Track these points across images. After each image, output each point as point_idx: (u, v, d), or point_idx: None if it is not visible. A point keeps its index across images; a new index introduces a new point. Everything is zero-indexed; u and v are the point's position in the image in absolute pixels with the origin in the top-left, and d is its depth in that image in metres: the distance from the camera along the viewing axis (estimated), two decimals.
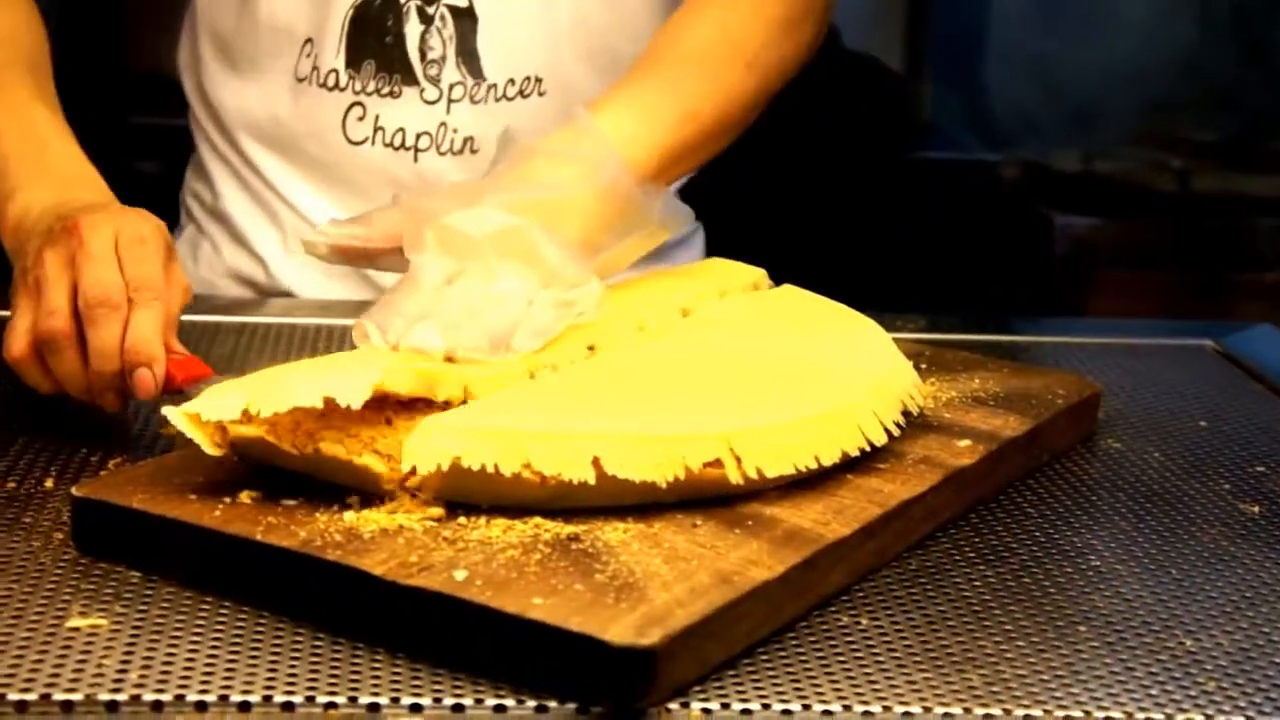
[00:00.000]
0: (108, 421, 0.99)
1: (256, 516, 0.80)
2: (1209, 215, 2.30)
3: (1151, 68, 2.35)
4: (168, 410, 0.82)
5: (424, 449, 0.81)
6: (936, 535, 0.90)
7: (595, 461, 0.81)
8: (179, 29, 1.43)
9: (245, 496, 0.82)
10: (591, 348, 0.96)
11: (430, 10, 1.28)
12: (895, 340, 1.04)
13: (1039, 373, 1.09)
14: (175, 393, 0.93)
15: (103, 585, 0.79)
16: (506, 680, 0.72)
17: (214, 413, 0.81)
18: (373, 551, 0.77)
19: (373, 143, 1.30)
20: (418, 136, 1.30)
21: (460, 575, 0.74)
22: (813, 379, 0.94)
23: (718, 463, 0.84)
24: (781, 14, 1.22)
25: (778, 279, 1.14)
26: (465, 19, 1.29)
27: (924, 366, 1.07)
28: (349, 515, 0.80)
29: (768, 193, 2.19)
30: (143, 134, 2.04)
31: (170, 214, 1.67)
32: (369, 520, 0.80)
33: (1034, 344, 1.31)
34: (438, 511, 0.81)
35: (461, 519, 0.81)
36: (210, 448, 0.82)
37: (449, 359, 0.90)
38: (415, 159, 1.31)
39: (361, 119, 1.30)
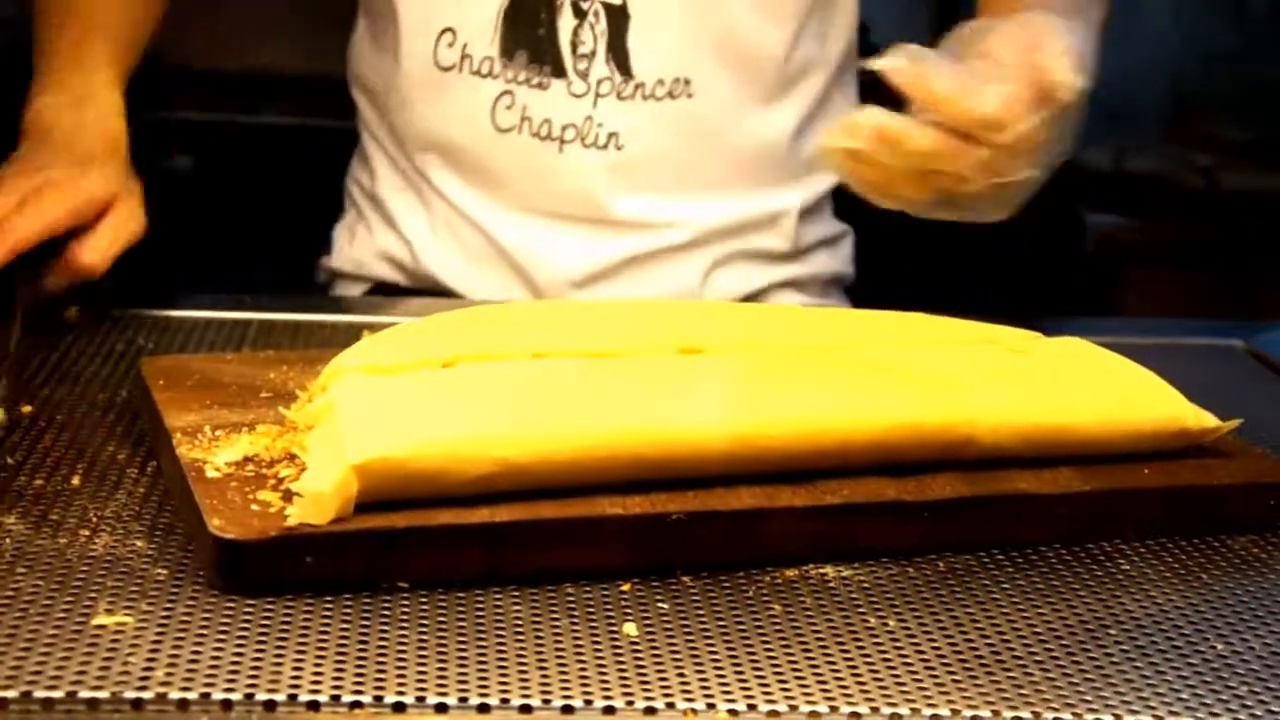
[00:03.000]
0: (133, 425, 0.99)
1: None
2: (1240, 214, 2.29)
3: (1182, 65, 2.34)
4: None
5: None
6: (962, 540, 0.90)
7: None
8: (203, 23, 1.45)
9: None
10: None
11: (584, 5, 1.30)
12: None
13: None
14: None
15: (128, 583, 0.79)
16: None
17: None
18: None
19: (519, 131, 1.32)
20: (563, 128, 1.32)
21: None
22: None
23: None
24: None
25: None
26: (618, 16, 1.31)
27: None
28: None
29: None
30: (165, 128, 2.04)
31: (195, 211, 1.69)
32: None
33: None
34: None
35: None
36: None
37: None
38: (560, 150, 1.32)
39: (510, 107, 1.32)
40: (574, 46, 1.30)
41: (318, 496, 0.79)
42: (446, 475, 0.82)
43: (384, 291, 1.43)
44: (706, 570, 0.84)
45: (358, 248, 1.44)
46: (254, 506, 0.81)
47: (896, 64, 0.94)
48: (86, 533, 0.84)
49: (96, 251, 1.16)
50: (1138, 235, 2.29)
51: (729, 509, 0.85)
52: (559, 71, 1.31)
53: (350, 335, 1.17)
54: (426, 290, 1.39)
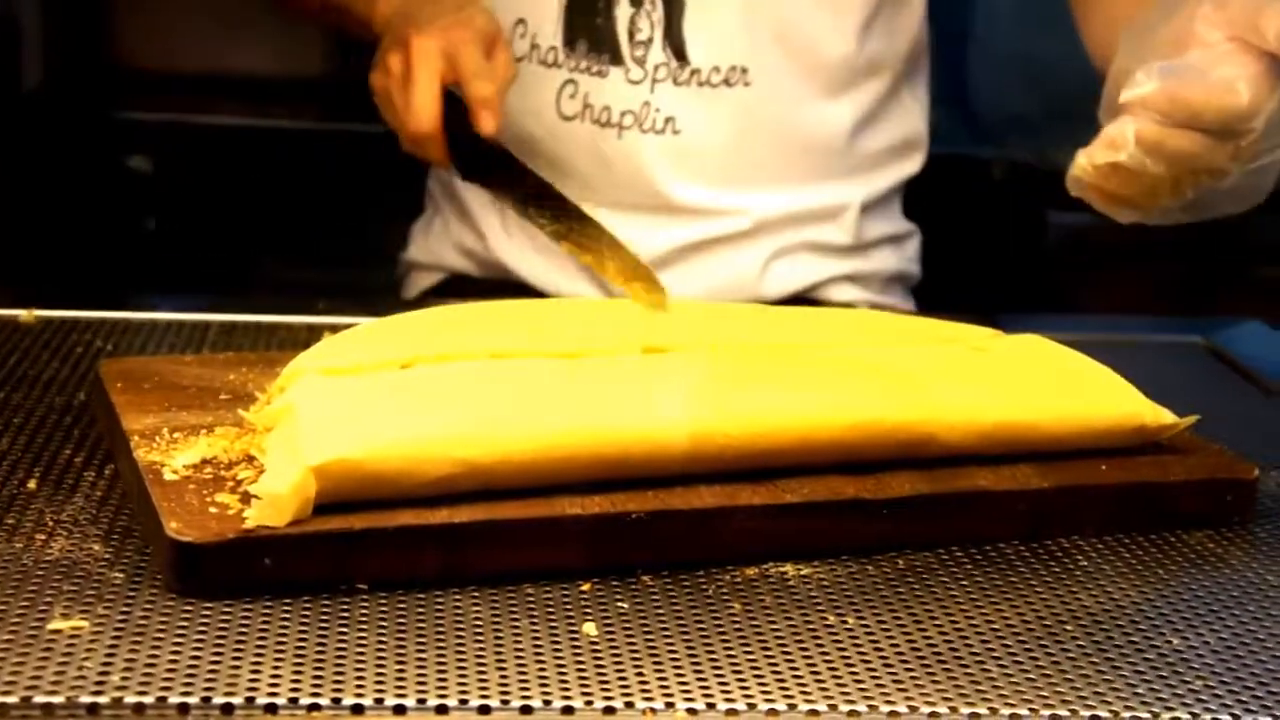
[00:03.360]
0: (91, 428, 0.98)
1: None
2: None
3: None
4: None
5: None
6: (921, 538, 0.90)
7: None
8: (163, 23, 1.45)
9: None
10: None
11: None
12: None
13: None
14: None
15: (85, 587, 0.78)
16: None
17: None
18: None
19: (582, 119, 1.35)
20: (622, 114, 1.35)
21: None
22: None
23: None
24: None
25: None
26: (674, 4, 1.33)
27: None
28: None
29: None
30: (126, 130, 2.03)
31: (155, 212, 1.68)
32: None
33: None
34: None
35: None
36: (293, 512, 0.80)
37: None
38: (619, 136, 1.35)
39: (573, 96, 1.35)
40: (631, 34, 1.34)
41: (276, 499, 0.79)
42: (405, 476, 0.82)
43: (457, 283, 1.47)
44: (667, 569, 0.84)
45: (433, 240, 1.49)
46: (212, 509, 0.81)
47: (1146, 91, 0.92)
48: (43, 536, 0.83)
49: (504, 80, 1.24)
50: (1099, 233, 2.30)
51: (689, 508, 0.85)
52: (617, 59, 1.34)
53: (311, 336, 1.17)
54: (499, 281, 1.43)
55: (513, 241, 1.42)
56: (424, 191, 1.54)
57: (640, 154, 1.35)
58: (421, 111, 1.20)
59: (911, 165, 1.46)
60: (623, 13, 1.34)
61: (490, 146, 1.21)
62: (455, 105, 1.22)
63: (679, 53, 1.34)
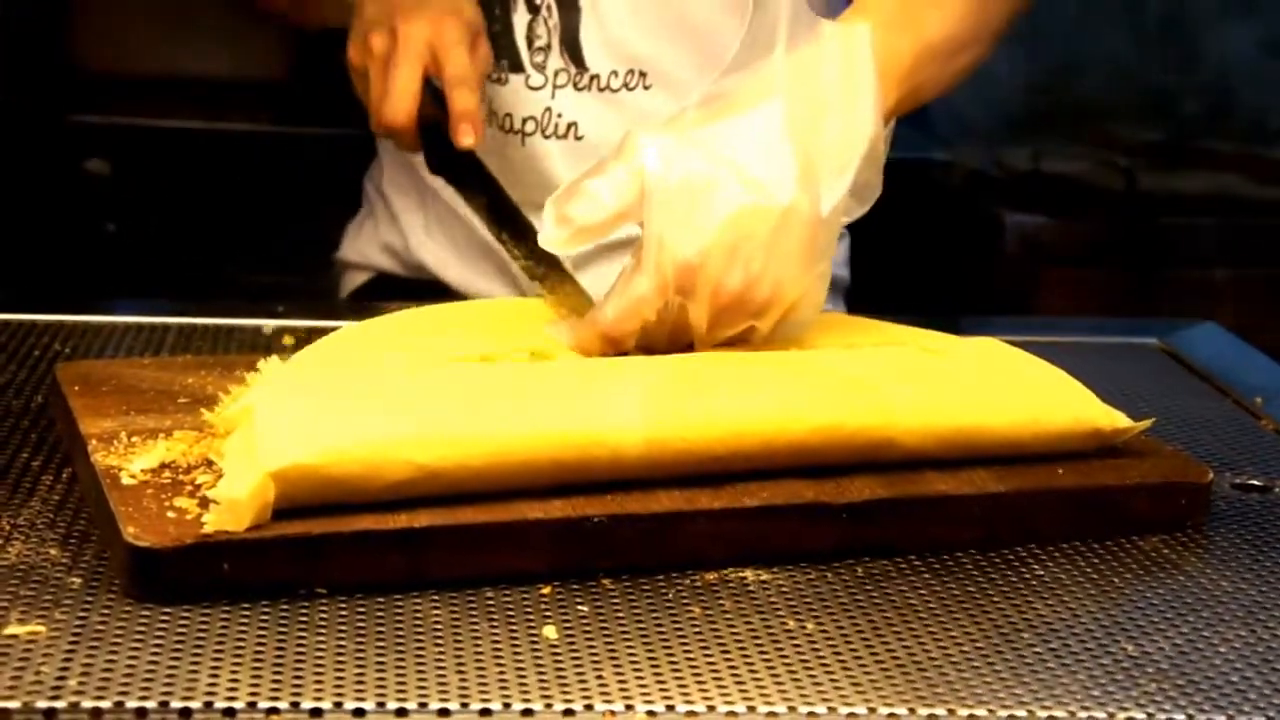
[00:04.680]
0: (49, 432, 0.98)
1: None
2: (1154, 213, 2.32)
3: (1086, 71, 2.36)
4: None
5: None
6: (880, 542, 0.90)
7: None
8: (120, 27, 1.44)
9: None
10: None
11: (537, 0, 1.32)
12: None
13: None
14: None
15: (42, 592, 0.78)
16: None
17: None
18: None
19: (487, 124, 1.33)
20: (524, 121, 1.34)
21: None
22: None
23: None
24: None
25: None
26: (569, 9, 1.33)
27: None
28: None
29: None
30: (83, 133, 2.03)
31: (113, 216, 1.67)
32: None
33: None
34: None
35: None
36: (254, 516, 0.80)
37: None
38: (523, 142, 1.34)
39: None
40: (530, 40, 1.33)
41: (234, 503, 0.79)
42: (364, 481, 0.82)
43: (383, 282, 1.46)
44: (627, 573, 0.84)
45: (363, 239, 1.48)
46: (170, 514, 0.80)
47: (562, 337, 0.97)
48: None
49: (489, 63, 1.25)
50: (1055, 235, 2.32)
51: (648, 512, 0.85)
52: (516, 66, 1.34)
53: (271, 340, 1.17)
54: (420, 281, 1.43)
55: (433, 242, 1.42)
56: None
57: (544, 159, 1.34)
58: (399, 102, 1.18)
59: None
60: (520, 20, 1.33)
61: (466, 152, 1.21)
62: (434, 98, 1.21)
63: (577, 58, 1.33)
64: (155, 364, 1.03)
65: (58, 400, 0.97)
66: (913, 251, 2.16)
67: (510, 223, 1.17)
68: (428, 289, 1.41)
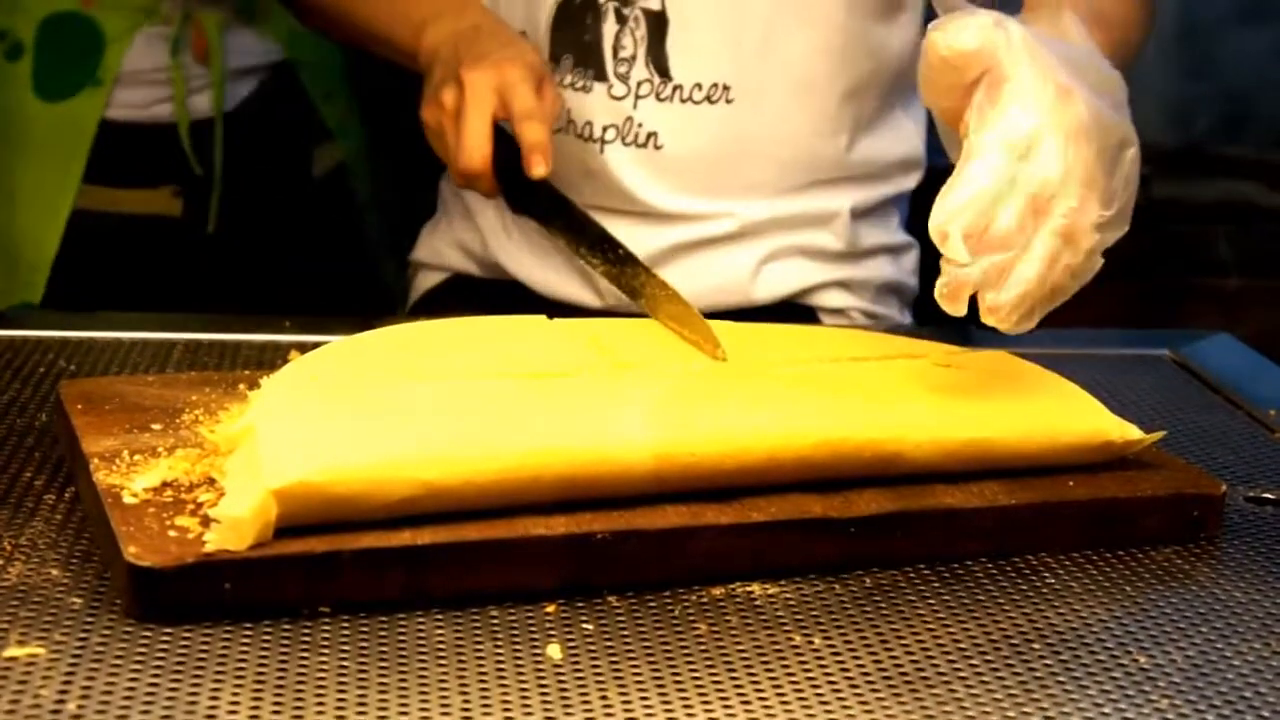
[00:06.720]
0: (52, 450, 0.98)
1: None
2: (1169, 222, 2.31)
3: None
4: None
5: None
6: (888, 556, 0.89)
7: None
8: None
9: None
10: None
11: (626, 11, 1.35)
12: None
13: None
14: None
15: (42, 613, 0.77)
16: None
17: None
18: None
19: (566, 132, 1.37)
20: (604, 129, 1.36)
21: None
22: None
23: None
24: None
25: None
26: (658, 22, 1.35)
27: None
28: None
29: None
30: None
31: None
32: None
33: None
34: None
35: None
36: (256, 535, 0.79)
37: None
38: (601, 150, 1.37)
39: None
40: (615, 51, 1.36)
41: (236, 522, 0.78)
42: (367, 498, 0.81)
43: (460, 283, 1.48)
44: (632, 590, 0.83)
45: (438, 240, 1.50)
46: (172, 533, 0.80)
47: (973, 275, 0.92)
48: (0, 561, 0.82)
49: (553, 116, 1.27)
50: None
51: (654, 528, 0.85)
52: (601, 75, 1.36)
53: (277, 356, 1.16)
54: (498, 281, 1.44)
55: (511, 242, 1.43)
56: (436, 195, 1.56)
57: (621, 166, 1.37)
58: (473, 150, 1.22)
59: (907, 180, 1.46)
60: (608, 30, 1.36)
61: (540, 183, 1.23)
62: (506, 141, 1.24)
63: (662, 70, 1.36)
64: (159, 381, 1.03)
65: (61, 418, 0.97)
66: (925, 261, 2.16)
67: (586, 235, 1.21)
68: (505, 291, 1.43)
